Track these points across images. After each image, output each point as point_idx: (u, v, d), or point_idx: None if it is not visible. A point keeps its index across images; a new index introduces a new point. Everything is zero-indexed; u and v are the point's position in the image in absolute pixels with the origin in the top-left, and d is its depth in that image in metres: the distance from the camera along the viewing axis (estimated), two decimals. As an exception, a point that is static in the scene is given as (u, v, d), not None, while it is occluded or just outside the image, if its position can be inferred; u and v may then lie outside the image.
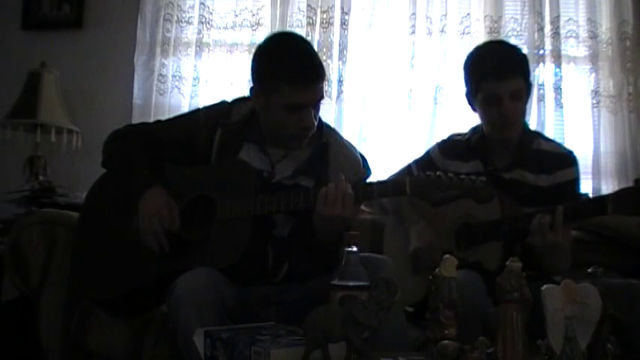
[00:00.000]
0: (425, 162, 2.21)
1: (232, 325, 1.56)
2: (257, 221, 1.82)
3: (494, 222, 1.98)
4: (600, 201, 1.87)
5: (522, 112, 2.08)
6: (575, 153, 2.13)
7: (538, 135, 2.18)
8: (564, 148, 2.14)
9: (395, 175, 2.23)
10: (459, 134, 2.23)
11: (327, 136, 1.99)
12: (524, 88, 2.04)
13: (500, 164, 2.09)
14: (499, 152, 2.09)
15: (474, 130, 2.18)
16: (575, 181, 2.10)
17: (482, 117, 2.09)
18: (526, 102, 2.09)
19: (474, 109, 2.11)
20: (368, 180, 1.97)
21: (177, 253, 1.83)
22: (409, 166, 2.24)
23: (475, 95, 2.06)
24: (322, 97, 1.90)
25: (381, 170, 2.27)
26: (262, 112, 1.92)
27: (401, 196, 1.89)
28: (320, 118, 1.96)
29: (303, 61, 1.86)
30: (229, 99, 2.08)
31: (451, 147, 2.19)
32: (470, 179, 1.77)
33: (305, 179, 1.93)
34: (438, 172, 1.78)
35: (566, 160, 2.09)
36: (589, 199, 1.90)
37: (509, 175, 2.07)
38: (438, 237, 2.07)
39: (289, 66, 1.84)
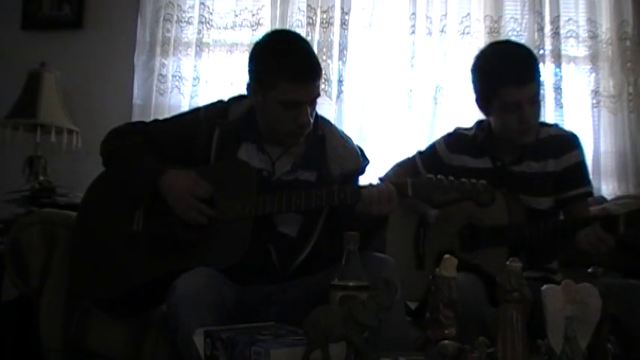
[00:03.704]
0: (430, 155, 2.20)
1: (233, 325, 1.56)
2: (258, 220, 1.82)
3: (500, 228, 1.98)
4: (612, 221, 1.86)
5: (539, 115, 2.07)
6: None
7: (541, 125, 2.16)
8: (566, 131, 2.15)
9: (398, 165, 2.24)
10: (465, 129, 2.22)
11: (323, 128, 1.99)
12: (539, 90, 2.03)
13: (509, 159, 2.08)
14: (507, 148, 2.09)
15: (479, 125, 2.17)
16: (582, 163, 2.11)
17: (498, 122, 2.05)
18: (541, 103, 2.07)
19: (487, 114, 2.09)
20: (366, 169, 2.01)
21: (178, 253, 1.83)
22: (413, 158, 2.24)
23: (490, 101, 2.02)
24: (319, 95, 1.91)
25: (381, 170, 2.27)
26: (259, 109, 1.93)
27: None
28: (315, 112, 1.97)
29: (301, 58, 1.87)
30: (226, 98, 2.08)
31: (457, 141, 2.18)
32: (471, 183, 1.77)
33: (304, 173, 1.94)
34: (439, 175, 1.78)
35: (570, 142, 2.10)
36: (600, 217, 1.90)
37: (518, 168, 2.07)
38: (443, 236, 2.08)
39: (287, 63, 1.84)
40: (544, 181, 2.05)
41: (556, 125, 2.21)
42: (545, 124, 2.19)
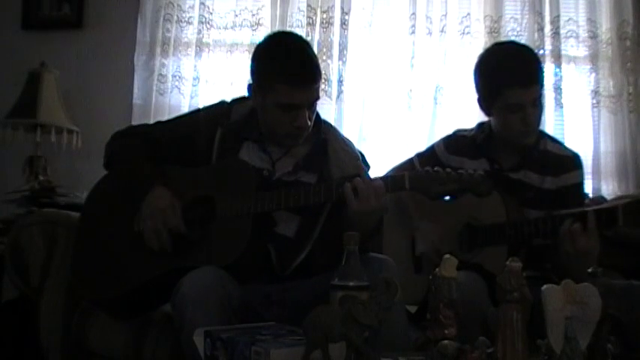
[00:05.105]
0: (428, 156, 2.20)
1: (239, 324, 1.56)
2: (257, 219, 1.82)
3: (498, 225, 1.97)
4: (611, 212, 1.83)
5: (541, 118, 2.06)
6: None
7: (544, 135, 2.16)
8: (570, 151, 2.13)
9: (396, 168, 2.24)
10: (465, 130, 2.22)
11: (326, 132, 2.00)
12: (542, 93, 2.02)
13: (507, 164, 2.08)
14: (506, 152, 2.08)
15: (480, 127, 2.17)
16: (580, 185, 2.10)
17: (499, 123, 2.05)
18: (543, 106, 2.07)
19: (488, 114, 2.09)
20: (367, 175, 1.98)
21: (178, 252, 1.84)
22: (411, 160, 2.24)
23: (493, 101, 2.02)
24: (318, 98, 1.91)
25: (381, 170, 2.27)
26: (259, 109, 1.94)
27: (400, 192, 1.89)
28: (318, 115, 1.98)
29: (300, 62, 1.87)
30: (228, 99, 2.09)
31: (456, 143, 2.18)
32: (468, 173, 1.77)
33: (305, 175, 1.94)
34: (436, 167, 1.78)
35: (572, 163, 2.09)
36: (599, 210, 1.87)
37: (515, 175, 2.06)
38: (443, 237, 2.06)
39: (285, 67, 1.85)
40: (539, 196, 2.04)
41: (561, 143, 2.19)
42: (551, 138, 2.17)
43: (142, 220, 1.84)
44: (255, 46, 2.02)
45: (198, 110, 2.14)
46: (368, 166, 2.01)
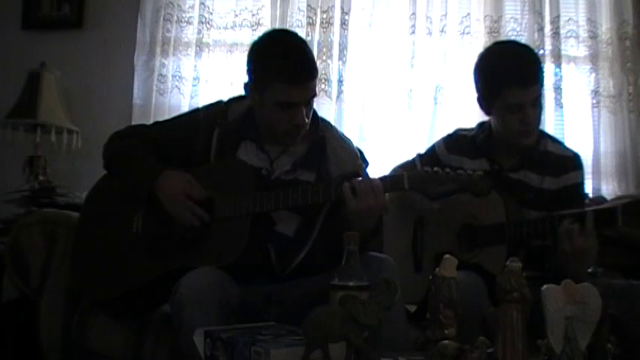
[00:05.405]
0: (429, 157, 2.20)
1: (237, 324, 1.56)
2: (257, 219, 1.82)
3: (498, 226, 1.97)
4: (610, 213, 1.83)
5: (540, 118, 2.06)
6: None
7: (545, 136, 2.16)
8: (571, 151, 2.13)
9: (398, 168, 2.24)
10: (465, 129, 2.21)
11: (324, 130, 2.00)
12: (542, 93, 2.02)
13: (507, 164, 2.08)
14: (506, 152, 2.08)
15: (481, 127, 2.17)
16: (580, 185, 2.10)
17: (499, 122, 2.05)
18: (543, 106, 2.06)
19: (488, 113, 2.09)
20: (366, 171, 1.98)
21: (177, 252, 1.84)
22: (413, 161, 2.24)
23: (492, 100, 2.02)
24: (315, 95, 1.91)
25: (381, 170, 2.27)
26: (257, 107, 1.95)
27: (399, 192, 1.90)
28: (316, 113, 1.98)
29: (296, 60, 1.87)
30: (225, 99, 2.09)
31: (457, 142, 2.18)
32: (467, 173, 1.77)
33: (304, 173, 1.94)
34: (435, 167, 1.78)
35: (572, 163, 2.08)
36: (598, 210, 1.86)
37: (515, 175, 2.06)
38: (442, 235, 2.07)
39: (282, 64, 1.85)
40: (539, 196, 2.04)
41: (561, 143, 2.18)
42: (551, 138, 2.17)
43: (167, 206, 1.85)
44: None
45: (194, 110, 2.14)
46: (367, 163, 2.01)
